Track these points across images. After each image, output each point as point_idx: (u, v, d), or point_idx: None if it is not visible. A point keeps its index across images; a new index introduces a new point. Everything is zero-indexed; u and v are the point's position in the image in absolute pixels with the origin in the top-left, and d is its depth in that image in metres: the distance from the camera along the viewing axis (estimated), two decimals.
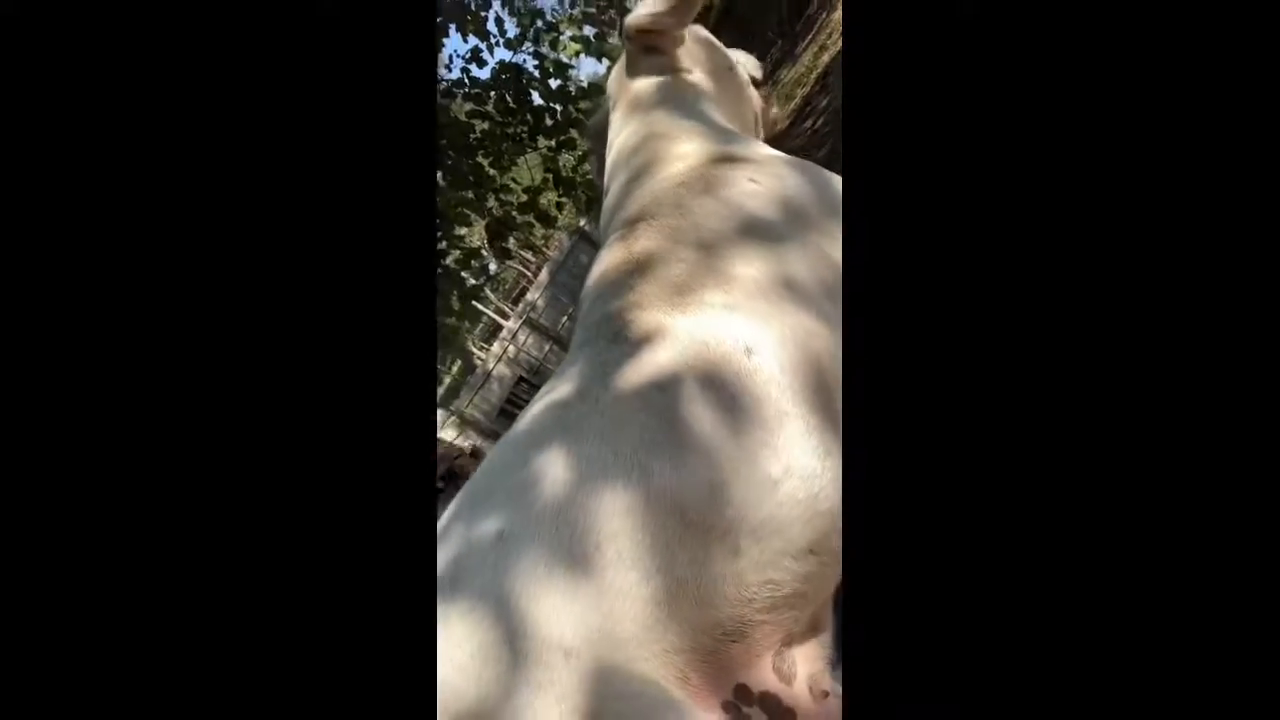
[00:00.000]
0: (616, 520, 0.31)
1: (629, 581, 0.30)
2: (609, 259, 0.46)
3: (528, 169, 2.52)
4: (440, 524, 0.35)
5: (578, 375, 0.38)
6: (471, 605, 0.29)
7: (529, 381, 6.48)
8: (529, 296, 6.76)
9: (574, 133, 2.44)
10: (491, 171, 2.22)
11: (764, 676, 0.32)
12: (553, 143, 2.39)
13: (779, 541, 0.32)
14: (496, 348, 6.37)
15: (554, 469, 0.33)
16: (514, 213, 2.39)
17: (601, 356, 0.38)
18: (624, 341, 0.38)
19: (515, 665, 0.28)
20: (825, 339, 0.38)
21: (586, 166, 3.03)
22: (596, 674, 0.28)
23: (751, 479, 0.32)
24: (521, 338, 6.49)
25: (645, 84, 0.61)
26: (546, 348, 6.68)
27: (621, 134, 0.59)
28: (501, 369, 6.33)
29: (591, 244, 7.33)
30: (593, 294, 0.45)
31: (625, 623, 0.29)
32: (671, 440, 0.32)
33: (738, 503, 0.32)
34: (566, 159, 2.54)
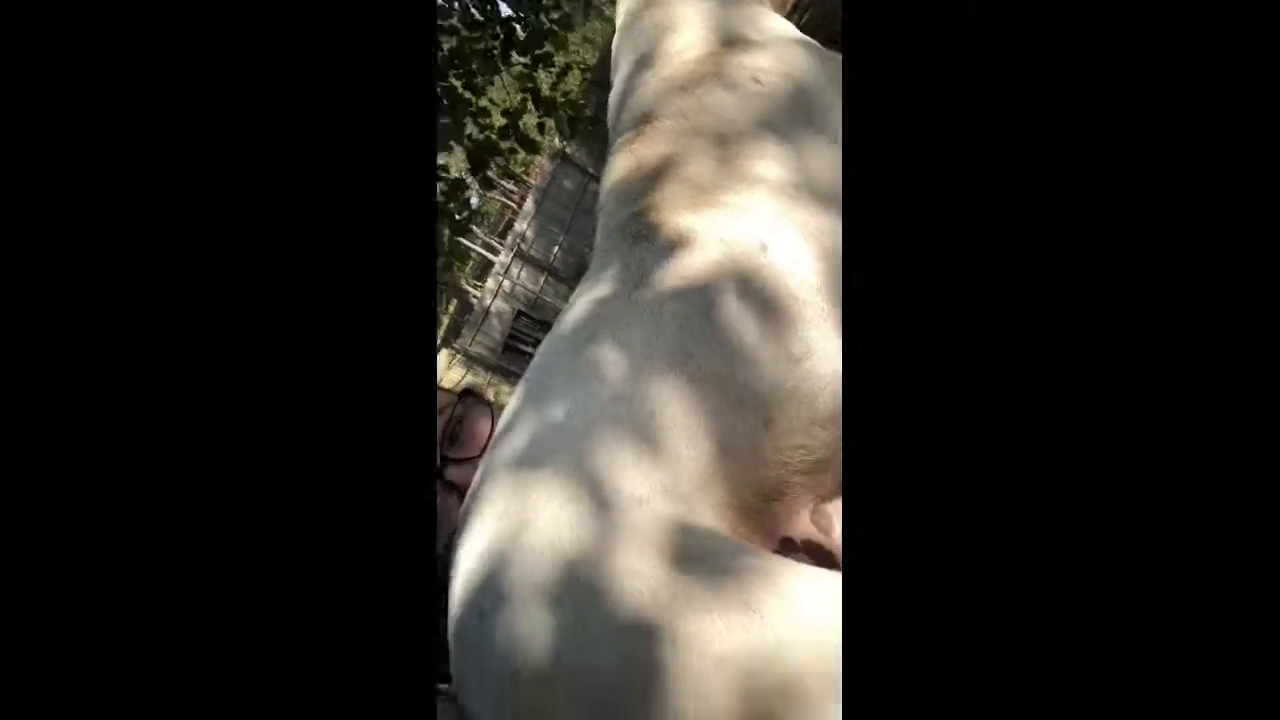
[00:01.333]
0: (666, 396, 0.34)
1: (682, 447, 0.33)
2: (623, 162, 0.48)
3: (505, 89, 2.39)
4: (508, 415, 0.38)
5: (613, 276, 0.40)
6: (555, 471, 0.32)
7: (528, 315, 6.45)
8: (517, 228, 6.59)
9: (548, 46, 2.29)
10: (466, 94, 2.10)
11: (804, 529, 0.36)
12: (527, 59, 2.24)
13: (806, 411, 0.36)
14: (491, 283, 6.28)
15: (606, 357, 0.36)
16: (494, 137, 2.28)
17: (633, 257, 0.40)
18: (651, 242, 0.40)
19: (601, 514, 0.30)
20: (835, 232, 0.40)
21: (567, 83, 2.86)
22: (671, 521, 0.31)
23: (778, 358, 0.36)
24: (515, 271, 6.39)
25: None
26: (541, 279, 6.60)
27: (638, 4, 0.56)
28: (499, 304, 6.28)
29: (575, 167, 7.06)
30: (613, 197, 0.46)
31: (684, 481, 0.33)
32: (706, 328, 0.36)
33: (768, 379, 0.35)
34: (543, 76, 2.39)
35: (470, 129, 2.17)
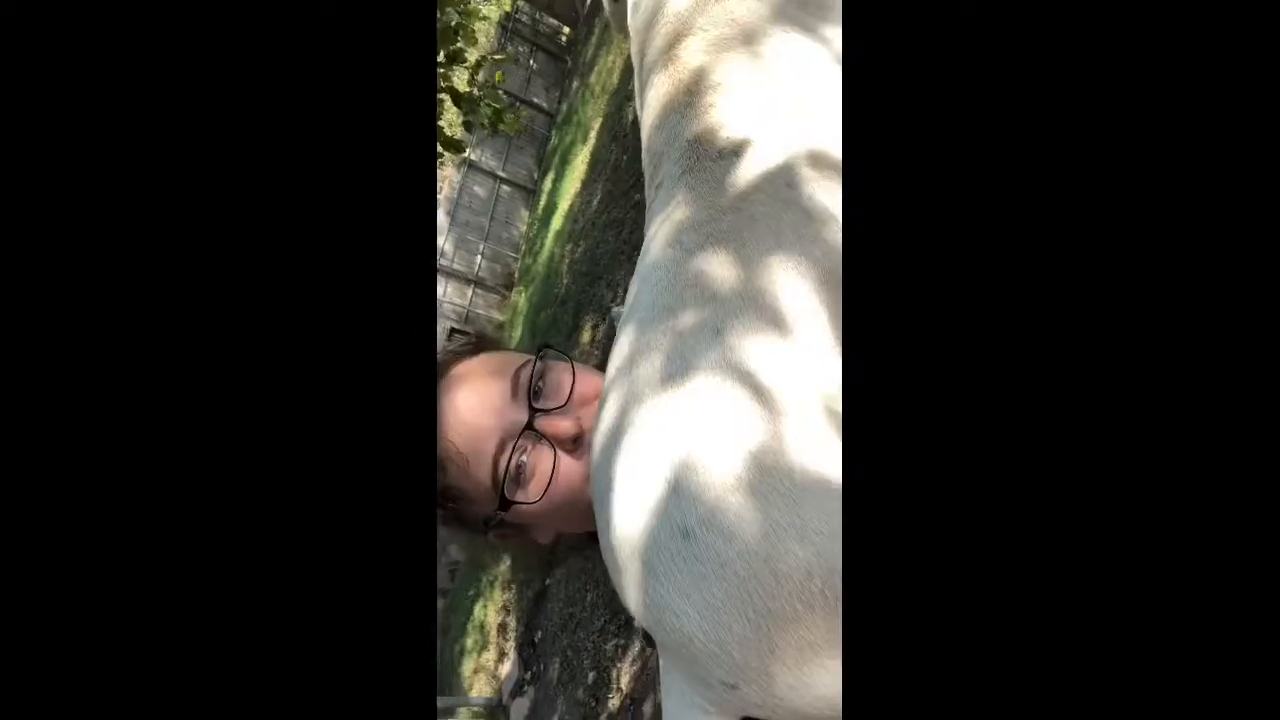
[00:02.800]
0: (791, 293, 0.34)
1: (817, 336, 0.34)
2: (664, 87, 0.46)
3: None
4: (626, 341, 0.38)
5: (695, 197, 0.40)
6: (709, 376, 0.33)
7: (461, 331, 6.23)
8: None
9: (459, 41, 2.20)
10: None
11: None
12: (441, 55, 2.14)
13: None
14: None
15: (722, 269, 0.36)
16: None
17: (709, 175, 0.40)
18: (725, 157, 0.40)
19: (764, 407, 0.31)
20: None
21: (481, 78, 2.76)
22: (818, 408, 0.31)
23: None
24: (440, 289, 6.15)
25: None
26: (470, 292, 6.39)
27: None
28: None
29: (483, 173, 6.86)
30: (663, 127, 0.46)
31: (820, 371, 0.33)
32: (809, 224, 0.37)
33: None
34: (460, 73, 2.29)
35: None
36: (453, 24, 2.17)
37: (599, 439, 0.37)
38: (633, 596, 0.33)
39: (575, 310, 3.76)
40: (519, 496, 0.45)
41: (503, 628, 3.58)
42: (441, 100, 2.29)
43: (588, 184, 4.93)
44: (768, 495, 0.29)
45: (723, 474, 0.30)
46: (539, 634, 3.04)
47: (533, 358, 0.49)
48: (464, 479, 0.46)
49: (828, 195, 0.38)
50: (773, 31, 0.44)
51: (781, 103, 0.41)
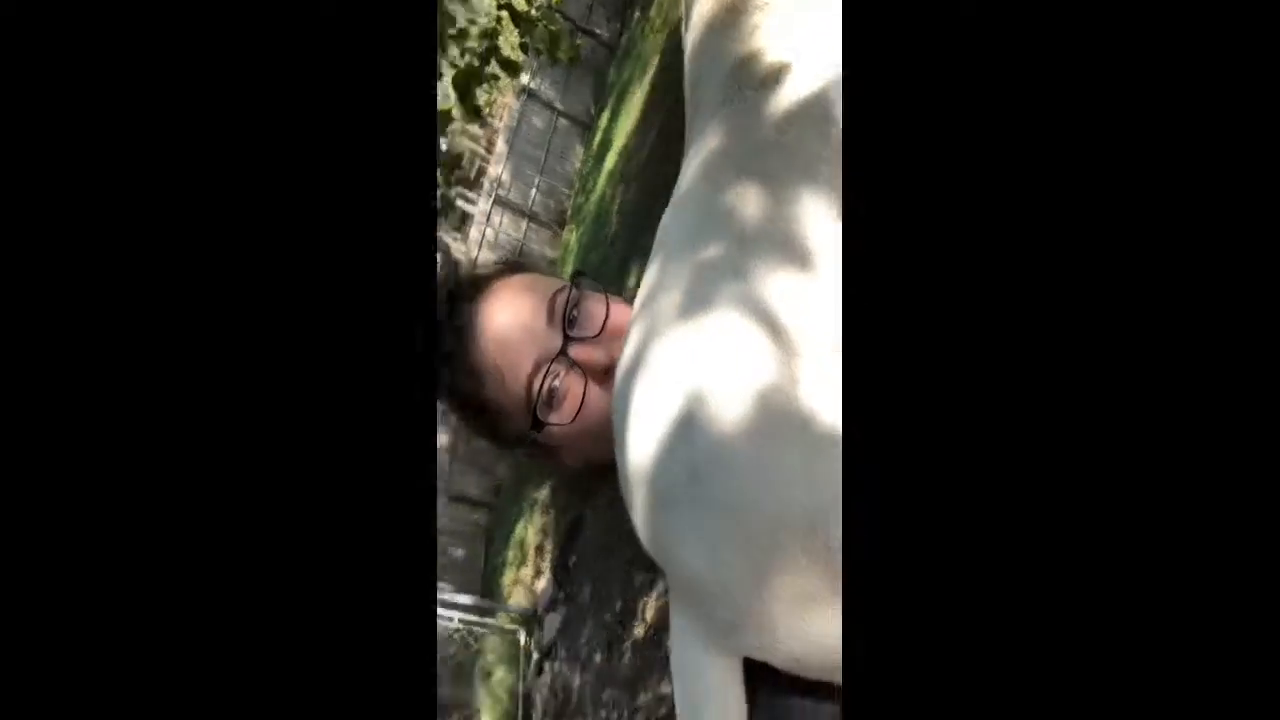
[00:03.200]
0: (820, 233, 0.33)
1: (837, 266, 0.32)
2: (704, 8, 0.45)
3: (481, 7, 2.20)
4: (654, 270, 0.38)
5: (733, 127, 0.39)
6: (727, 314, 0.32)
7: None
8: (492, 172, 6.33)
9: None
10: (449, 6, 1.93)
11: None
12: None
13: None
14: (474, 233, 6.09)
15: (752, 205, 0.35)
16: (475, 63, 2.12)
17: (748, 104, 0.39)
18: (766, 85, 0.39)
19: (780, 349, 0.31)
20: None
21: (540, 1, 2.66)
22: (835, 354, 0.30)
23: None
24: (496, 219, 6.19)
25: None
26: (524, 225, 6.41)
27: None
28: (485, 255, 6.13)
29: (541, 103, 6.73)
30: (705, 44, 0.44)
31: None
32: (830, 150, 0.35)
33: None
34: None
35: (453, 52, 2.00)
36: None
37: (620, 370, 0.38)
38: (643, 529, 0.34)
39: (623, 254, 3.73)
40: (551, 419, 0.46)
41: (540, 549, 3.77)
42: (500, 17, 2.21)
43: (643, 124, 4.78)
44: (777, 440, 0.29)
45: (734, 415, 0.30)
46: (573, 559, 3.19)
47: (569, 284, 0.49)
48: (500, 392, 0.47)
49: None
50: None
51: (830, 26, 0.39)
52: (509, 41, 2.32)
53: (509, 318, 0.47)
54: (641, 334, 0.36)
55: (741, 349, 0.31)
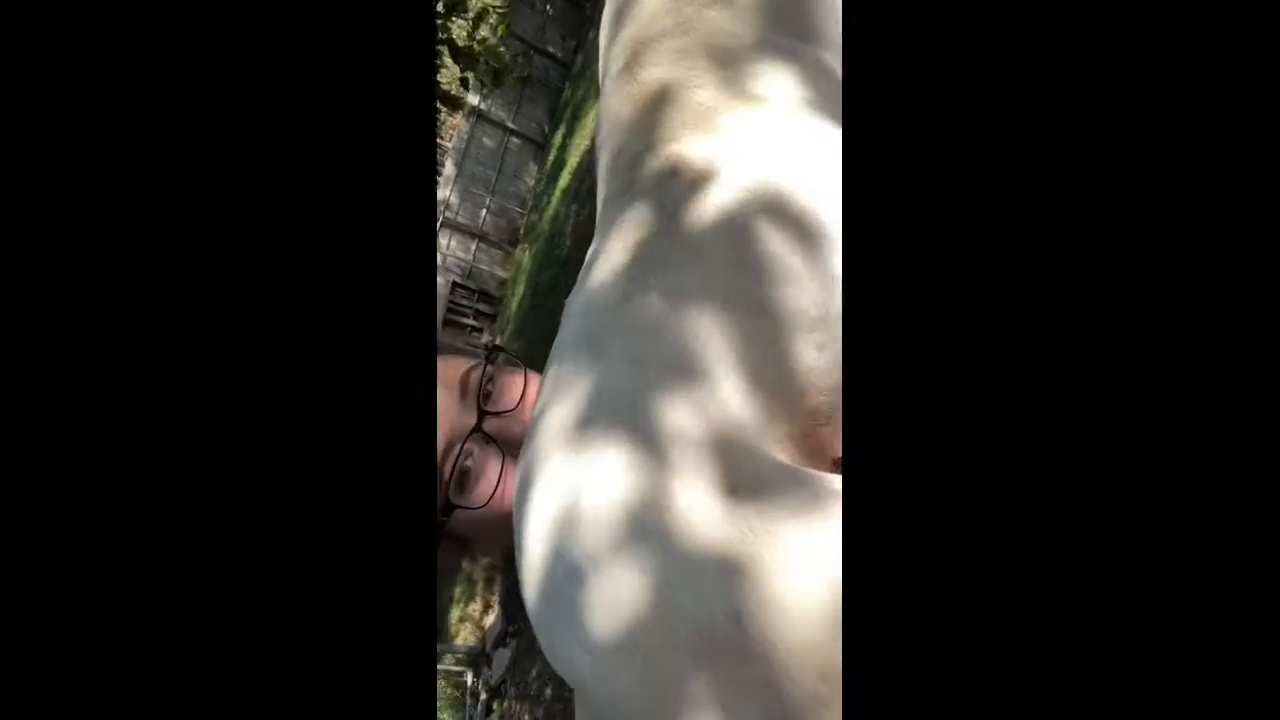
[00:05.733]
0: (722, 336, 0.33)
1: (744, 384, 0.33)
2: (623, 99, 0.43)
3: None
4: (550, 377, 0.37)
5: (641, 219, 0.38)
6: (609, 427, 0.32)
7: (464, 286, 6.21)
8: (439, 195, 6.25)
9: None
10: None
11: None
12: (439, 6, 2.04)
13: None
14: None
15: (652, 305, 0.35)
16: None
17: (657, 196, 0.38)
18: (673, 177, 0.38)
19: (660, 464, 0.31)
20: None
21: (482, 33, 2.64)
22: (728, 456, 0.31)
23: (824, 283, 0.36)
24: (444, 241, 6.09)
25: None
26: (474, 246, 6.33)
27: None
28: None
29: (492, 124, 6.68)
30: (614, 136, 0.43)
31: (748, 418, 0.33)
32: (753, 262, 0.35)
33: (819, 304, 0.35)
34: (459, 25, 2.19)
35: None
36: None
37: (520, 475, 0.36)
38: (539, 637, 0.33)
39: (575, 273, 3.70)
40: (464, 501, 0.43)
41: (489, 582, 3.69)
42: (440, 53, 2.19)
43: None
44: (667, 568, 0.29)
45: (608, 532, 0.30)
46: None
47: (483, 360, 0.47)
48: None
49: (781, 245, 0.36)
50: (746, 47, 0.41)
51: (740, 132, 0.39)
52: (450, 75, 2.30)
53: None
54: (535, 441, 0.36)
55: (613, 468, 0.31)
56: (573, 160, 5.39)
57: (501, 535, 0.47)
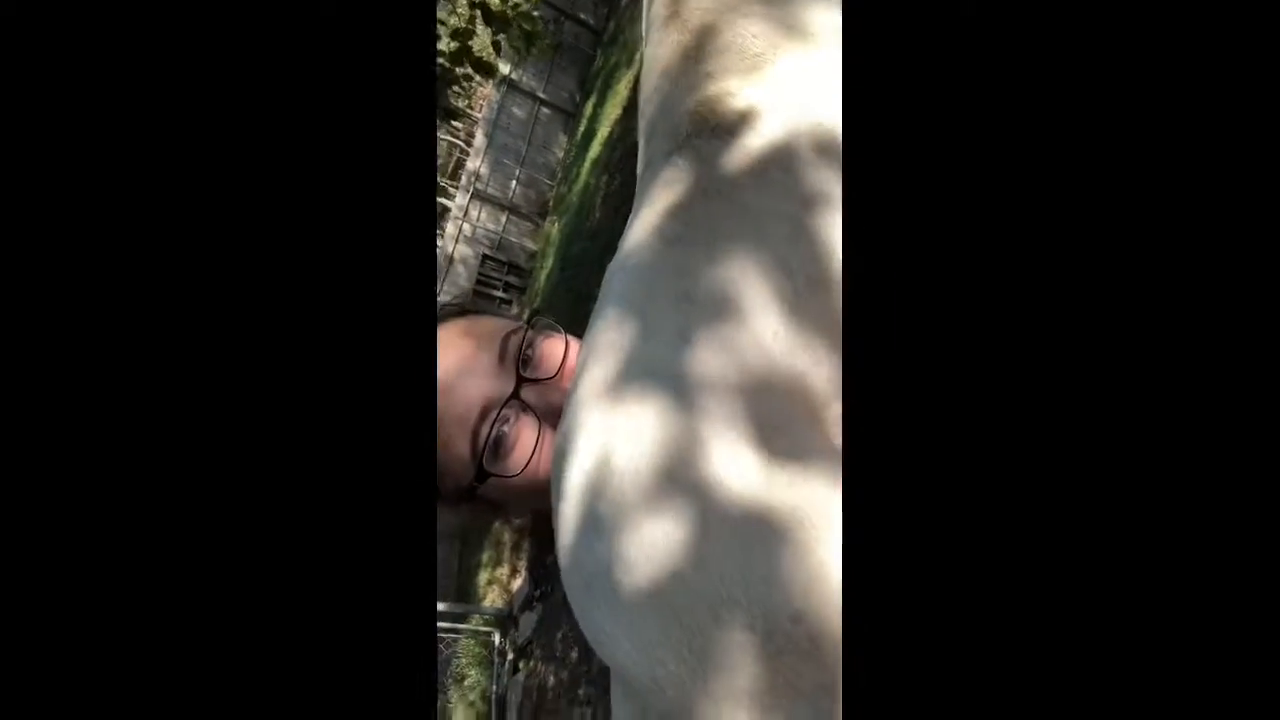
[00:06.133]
0: (760, 280, 0.32)
1: (811, 366, 0.32)
2: (665, 49, 0.42)
3: (451, 8, 2.14)
4: (591, 339, 0.36)
5: (687, 178, 0.36)
6: (645, 390, 0.31)
7: (494, 259, 6.24)
8: (470, 166, 6.23)
9: None
10: None
11: None
12: None
13: None
14: (450, 228, 6.00)
15: (697, 265, 0.34)
16: (446, 64, 2.07)
17: (705, 154, 0.36)
18: (725, 134, 0.36)
19: (696, 415, 0.30)
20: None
21: None
22: (769, 406, 0.30)
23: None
24: (474, 213, 6.11)
25: None
26: (503, 219, 6.33)
27: None
28: (462, 249, 6.04)
29: (523, 93, 6.62)
30: (660, 91, 0.41)
31: (813, 398, 0.31)
32: (801, 217, 0.33)
33: None
34: None
35: None
36: None
37: (557, 439, 0.36)
38: (575, 612, 0.33)
39: (605, 246, 3.70)
40: (498, 469, 0.42)
41: (517, 547, 3.78)
42: (473, 16, 2.16)
43: (629, 110, 4.71)
44: (699, 525, 0.28)
45: (650, 500, 0.29)
46: (551, 556, 3.20)
47: (523, 325, 0.46)
48: (442, 450, 0.43)
49: (827, 181, 0.34)
50: None
51: (790, 75, 0.37)
52: (482, 42, 2.27)
53: (451, 362, 0.43)
54: (575, 401, 0.35)
55: (663, 426, 0.30)
56: (603, 130, 5.32)
57: (535, 500, 0.46)
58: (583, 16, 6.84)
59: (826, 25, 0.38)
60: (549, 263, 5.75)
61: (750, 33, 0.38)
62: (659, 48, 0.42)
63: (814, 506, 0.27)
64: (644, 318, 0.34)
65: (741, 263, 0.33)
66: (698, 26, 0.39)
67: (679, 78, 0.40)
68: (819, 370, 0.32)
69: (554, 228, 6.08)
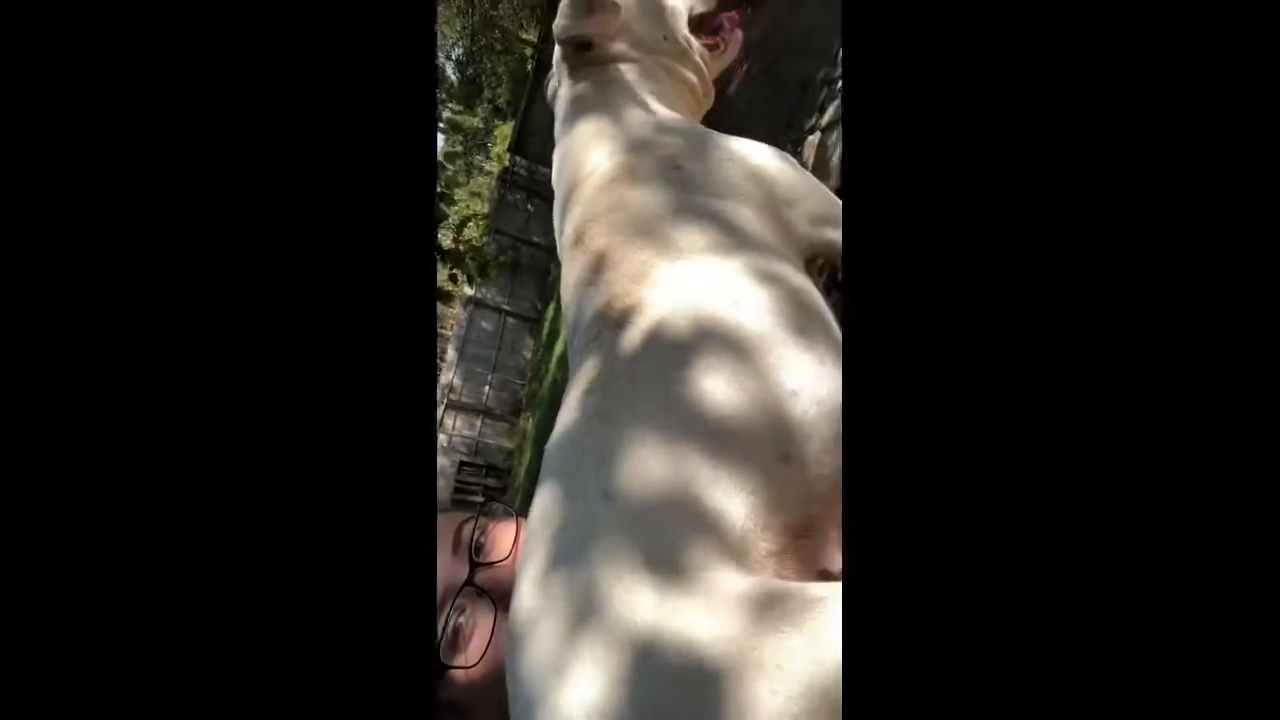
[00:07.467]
0: (689, 461, 0.35)
1: (726, 503, 0.34)
2: (575, 269, 0.51)
3: None
4: (537, 506, 0.39)
5: (597, 364, 0.43)
6: (606, 560, 0.33)
7: (471, 464, 6.23)
8: (444, 380, 6.52)
9: (440, 206, 2.42)
10: None
11: (838, 559, 0.37)
12: None
13: (816, 441, 0.38)
14: None
15: (609, 434, 0.38)
16: None
17: (609, 344, 0.43)
18: (623, 326, 0.43)
19: (668, 589, 0.31)
20: (779, 273, 0.45)
21: (467, 232, 3.00)
22: (737, 581, 0.31)
23: (778, 395, 0.38)
24: (450, 423, 6.24)
25: (572, 91, 0.65)
26: (479, 423, 6.47)
27: (558, 147, 0.64)
28: (440, 460, 6.05)
29: (488, 308, 7.22)
30: (575, 302, 0.51)
31: (732, 537, 0.33)
32: (702, 388, 0.38)
33: (775, 416, 0.37)
34: (443, 233, 2.50)
35: None
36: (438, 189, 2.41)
37: (507, 634, 0.37)
38: None
39: None
40: (457, 661, 0.42)
41: None
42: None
43: None
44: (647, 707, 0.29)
45: (612, 684, 0.30)
46: None
47: (475, 514, 0.49)
48: None
49: (722, 353, 0.39)
50: (664, 212, 0.49)
51: (667, 279, 0.44)
52: (441, 274, 2.56)
53: None
54: (523, 588, 0.36)
55: (624, 600, 0.31)
56: (564, 330, 5.72)
57: (502, 699, 0.46)
58: (535, 239, 7.80)
59: (696, 243, 0.46)
60: (526, 457, 5.78)
61: (635, 252, 0.47)
62: (570, 266, 0.52)
63: (732, 641, 0.28)
64: (566, 494, 0.38)
65: (645, 422, 0.38)
66: (596, 250, 0.50)
67: (586, 288, 0.49)
68: (763, 511, 0.35)
69: (529, 423, 6.23)
